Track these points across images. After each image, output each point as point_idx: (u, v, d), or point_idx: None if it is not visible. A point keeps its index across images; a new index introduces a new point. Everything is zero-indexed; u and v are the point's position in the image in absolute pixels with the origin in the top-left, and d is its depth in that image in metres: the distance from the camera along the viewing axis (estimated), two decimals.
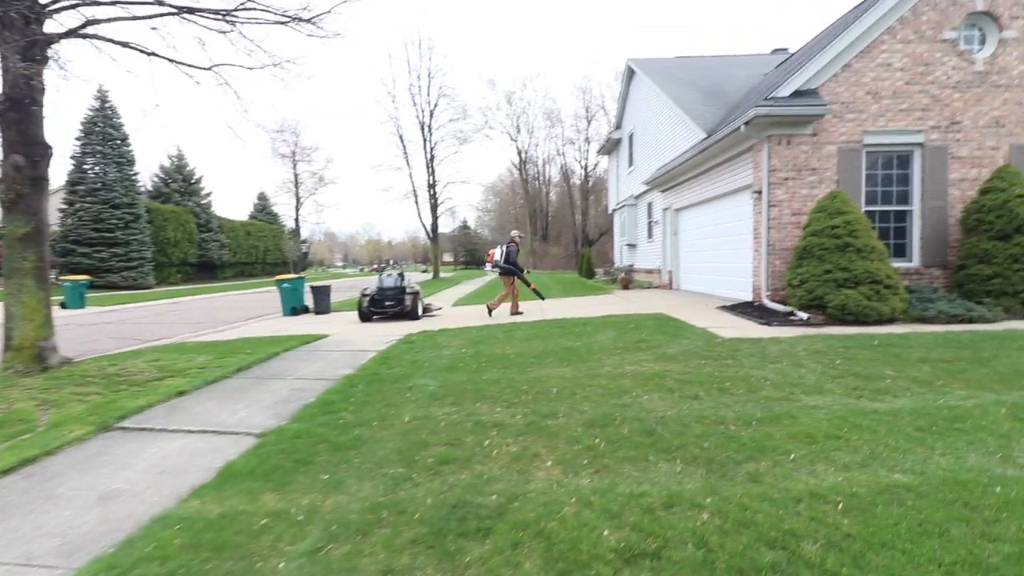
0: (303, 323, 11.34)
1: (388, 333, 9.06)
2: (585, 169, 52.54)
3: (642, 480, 3.01)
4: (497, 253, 11.06)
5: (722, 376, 5.05)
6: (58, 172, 33.87)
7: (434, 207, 37.21)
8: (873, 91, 9.29)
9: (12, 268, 6.10)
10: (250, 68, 6.74)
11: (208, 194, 43.47)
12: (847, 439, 3.46)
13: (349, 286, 27.01)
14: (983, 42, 9.42)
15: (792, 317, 8.13)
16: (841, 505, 2.63)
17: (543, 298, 12.11)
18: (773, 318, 8.18)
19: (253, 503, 2.93)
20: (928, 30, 9.24)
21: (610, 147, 25.57)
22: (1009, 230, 8.18)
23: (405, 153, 37.00)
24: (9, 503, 3.15)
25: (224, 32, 6.35)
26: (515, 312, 10.88)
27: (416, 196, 37.18)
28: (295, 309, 13.33)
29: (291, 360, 7.02)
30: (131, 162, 32.55)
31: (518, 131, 54.04)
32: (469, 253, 77.13)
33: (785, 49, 19.52)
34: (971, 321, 7.53)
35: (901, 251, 9.53)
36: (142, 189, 35.54)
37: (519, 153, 54.93)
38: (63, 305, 17.23)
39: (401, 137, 37.01)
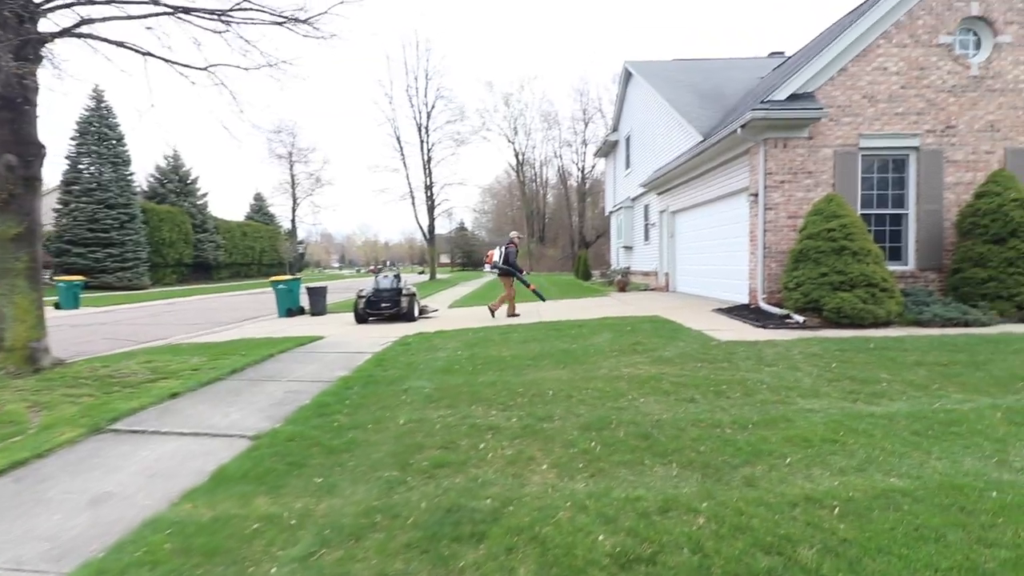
0: (299, 324, 11.30)
1: (384, 335, 9.03)
2: (582, 171, 52.69)
3: (638, 484, 2.99)
4: (496, 254, 11.04)
5: (718, 379, 5.04)
6: (53, 172, 33.70)
7: (431, 208, 37.17)
8: (869, 95, 9.32)
9: (4, 269, 6.05)
10: (246, 69, 6.72)
11: (204, 195, 43.38)
12: (843, 443, 3.45)
13: (345, 287, 26.97)
14: (978, 47, 9.46)
15: (788, 320, 8.14)
16: (837, 510, 2.62)
17: (543, 299, 12.08)
18: (769, 321, 8.19)
19: (245, 507, 2.90)
20: (924, 34, 9.27)
21: (607, 149, 25.60)
22: (1004, 234, 8.21)
23: (402, 154, 36.98)
24: None
25: (219, 32, 6.33)
26: (512, 314, 10.86)
27: (413, 197, 37.13)
28: (291, 310, 13.28)
29: (286, 362, 6.98)
30: (127, 162, 32.45)
31: (515, 133, 54.13)
32: (466, 255, 77.07)
33: (782, 53, 19.58)
34: (966, 324, 7.55)
35: (896, 254, 9.55)
36: (138, 189, 35.43)
37: (516, 155, 55.01)
38: (57, 306, 17.14)
39: (398, 138, 36.98)
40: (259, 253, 50.58)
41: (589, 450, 3.49)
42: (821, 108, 9.06)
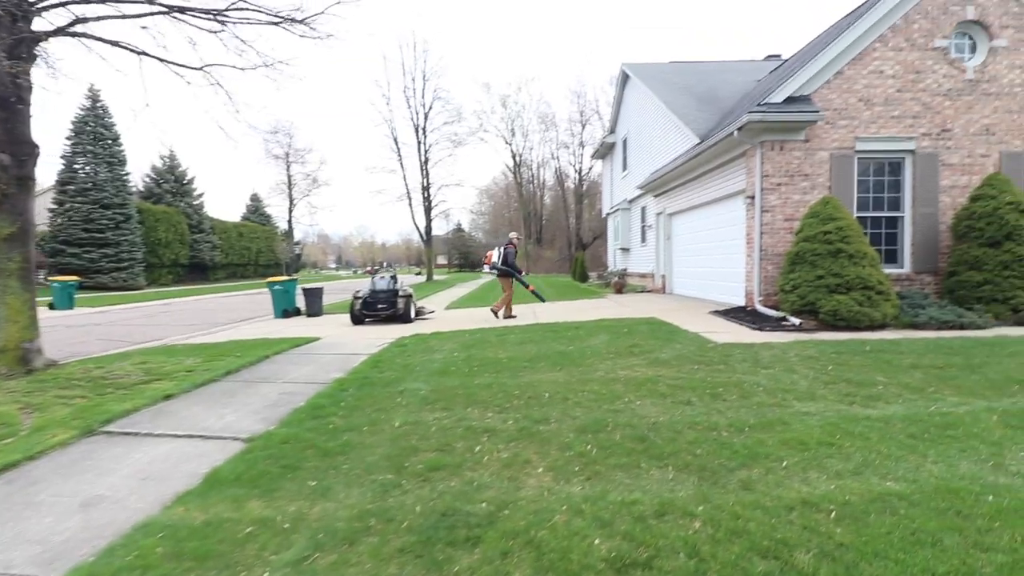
0: (295, 325, 11.26)
1: (380, 336, 9.00)
2: (579, 173, 52.72)
3: (634, 488, 2.98)
4: (495, 255, 11.01)
5: (715, 381, 5.03)
6: (48, 171, 33.69)
7: (428, 210, 37.13)
8: (865, 98, 9.35)
9: None
10: (242, 69, 6.70)
11: (200, 195, 43.29)
12: (839, 446, 3.45)
13: (342, 288, 26.91)
14: (973, 50, 9.51)
15: (784, 322, 8.15)
16: (834, 513, 2.61)
17: (543, 300, 12.05)
18: (766, 323, 8.19)
19: (238, 510, 2.88)
20: (919, 38, 9.31)
21: (604, 151, 25.63)
22: (999, 237, 8.23)
23: (399, 155, 36.95)
24: None
25: (215, 32, 6.30)
26: (508, 315, 10.84)
27: (410, 198, 37.09)
28: (287, 311, 13.24)
29: (281, 363, 6.95)
30: (122, 162, 32.34)
31: (513, 134, 54.10)
32: (463, 256, 77.08)
33: (778, 55, 19.65)
34: (962, 327, 7.56)
35: (892, 257, 9.58)
36: (133, 189, 35.28)
37: (514, 156, 54.98)
38: (51, 306, 17.07)
39: (395, 139, 36.97)
40: (255, 254, 50.45)
41: (585, 453, 3.47)
42: (817, 111, 9.08)
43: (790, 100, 9.17)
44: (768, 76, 14.65)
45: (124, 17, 6.10)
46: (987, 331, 7.40)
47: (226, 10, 6.14)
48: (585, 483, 3.07)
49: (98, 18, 6.01)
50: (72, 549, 2.63)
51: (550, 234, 58.72)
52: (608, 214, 25.18)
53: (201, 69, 6.59)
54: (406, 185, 37.07)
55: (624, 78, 20.56)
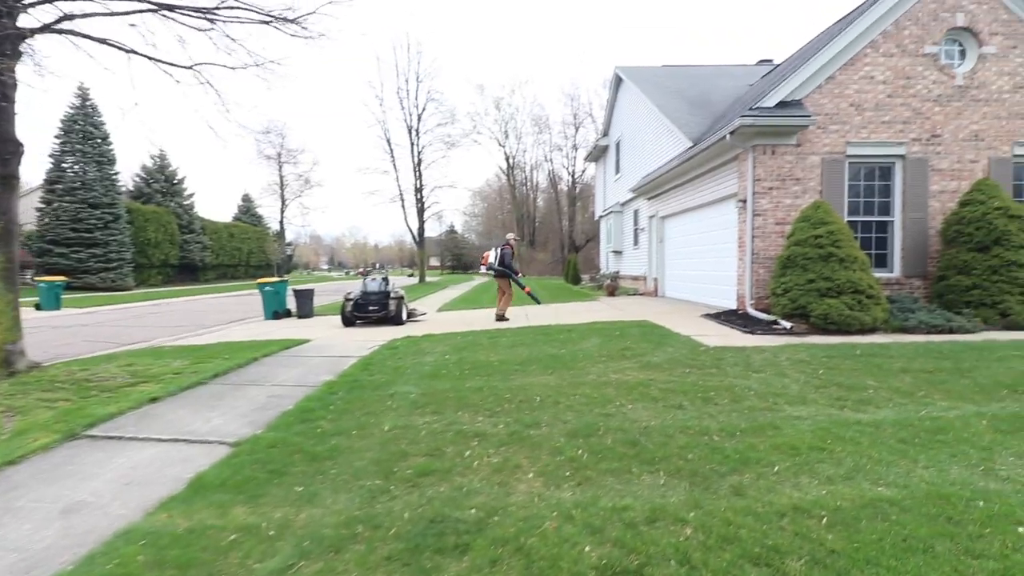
0: (285, 327, 11.16)
1: (371, 338, 8.93)
2: (572, 175, 52.74)
3: (625, 493, 2.95)
4: (492, 256, 10.97)
5: (706, 385, 5.02)
6: (36, 170, 33.27)
7: (421, 211, 37.06)
8: (856, 103, 9.40)
9: None
10: (232, 68, 6.63)
11: (191, 195, 42.94)
12: (831, 451, 3.44)
13: (334, 289, 26.76)
14: (963, 57, 9.59)
15: (776, 326, 8.17)
16: (825, 520, 2.60)
17: (539, 302, 12.02)
18: (757, 327, 8.21)
19: (223, 517, 2.82)
20: (910, 44, 9.38)
21: (597, 154, 25.67)
22: (988, 242, 8.30)
23: (392, 157, 36.92)
24: None
25: (204, 30, 6.23)
26: (501, 317, 10.80)
27: (403, 200, 37.04)
28: (277, 313, 13.14)
29: (270, 366, 6.87)
30: (112, 161, 32.01)
31: (506, 136, 54.13)
32: (456, 257, 76.94)
33: (770, 60, 19.76)
34: (951, 331, 7.61)
35: (882, 261, 9.64)
36: (123, 189, 34.95)
37: (507, 158, 55.00)
38: (37, 307, 16.85)
39: (388, 140, 36.90)
40: (247, 255, 50.10)
41: (576, 458, 3.45)
42: (809, 115, 9.13)
43: (782, 104, 9.22)
44: (760, 80, 14.73)
45: (112, 14, 6.02)
46: (976, 335, 7.45)
47: (216, 8, 6.08)
48: (576, 488, 3.04)
49: (85, 15, 5.93)
50: (51, 557, 2.57)
51: (543, 236, 58.69)
52: (601, 217, 25.21)
53: (191, 68, 6.52)
54: (399, 186, 37.07)
55: (617, 81, 20.62)
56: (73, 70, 38.76)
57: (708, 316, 9.82)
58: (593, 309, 12.50)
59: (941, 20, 9.37)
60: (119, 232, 31.44)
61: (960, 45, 9.59)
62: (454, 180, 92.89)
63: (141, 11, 6.01)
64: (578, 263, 29.81)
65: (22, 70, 6.01)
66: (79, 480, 3.45)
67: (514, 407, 4.57)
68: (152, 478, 3.44)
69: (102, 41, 6.01)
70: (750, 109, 9.20)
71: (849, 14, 10.82)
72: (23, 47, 5.87)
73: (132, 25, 6.10)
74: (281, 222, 52.99)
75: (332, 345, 8.46)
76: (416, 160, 36.38)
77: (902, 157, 9.46)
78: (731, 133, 9.13)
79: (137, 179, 40.55)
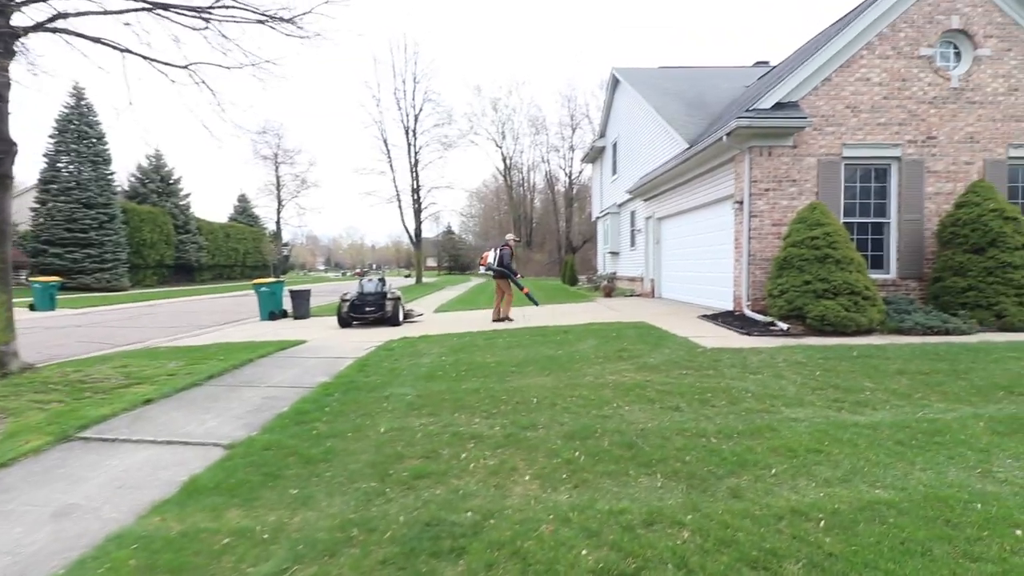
0: (281, 328, 11.12)
1: (367, 339, 8.90)
2: (569, 176, 52.80)
3: (622, 496, 2.93)
4: (491, 256, 10.95)
5: (703, 387, 5.01)
6: (31, 170, 33.10)
7: (418, 212, 36.98)
8: (852, 105, 9.42)
9: None
10: (227, 68, 6.60)
11: (187, 195, 42.82)
12: (828, 453, 3.43)
13: (331, 290, 26.67)
14: (958, 59, 9.63)
15: (772, 327, 8.17)
16: (823, 522, 2.58)
17: (537, 303, 11.99)
18: (754, 328, 8.21)
19: (216, 520, 2.79)
20: (906, 46, 9.41)
21: (594, 155, 25.69)
22: (983, 244, 8.32)
23: (389, 157, 36.79)
24: None
25: (199, 29, 6.19)
26: (497, 319, 10.78)
27: (400, 201, 36.94)
28: (273, 314, 13.09)
29: (266, 367, 6.83)
30: (107, 161, 31.88)
31: (503, 137, 54.15)
32: (453, 258, 76.86)
33: (767, 62, 19.81)
34: (947, 333, 7.62)
35: (878, 263, 9.65)
36: (118, 189, 34.79)
37: (504, 159, 55.02)
38: (32, 307, 16.76)
39: (385, 141, 36.76)
40: (243, 255, 49.96)
41: (573, 460, 3.43)
42: (805, 117, 9.14)
43: (779, 106, 9.23)
44: (757, 82, 14.76)
45: (106, 13, 5.97)
46: (972, 337, 7.47)
47: (211, 7, 6.05)
48: (573, 491, 3.02)
49: (79, 13, 5.89)
50: (42, 561, 2.54)
51: (540, 237, 58.70)
52: (598, 218, 25.22)
53: (186, 68, 6.48)
54: (396, 187, 36.95)
55: (614, 82, 20.63)
56: (67, 69, 38.62)
57: (705, 317, 9.82)
58: (590, 310, 12.49)
59: (936, 23, 9.40)
60: (114, 232, 31.31)
61: (955, 48, 9.62)
62: (451, 181, 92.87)
63: (135, 10, 5.97)
64: (575, 264, 29.80)
65: (16, 69, 5.96)
66: (71, 483, 3.41)
67: (510, 409, 4.55)
68: (145, 481, 3.41)
69: (96, 40, 5.98)
70: (747, 111, 9.21)
71: (845, 16, 10.86)
72: (16, 46, 5.83)
73: (127, 24, 6.06)
74: (278, 222, 52.95)
75: (328, 346, 8.42)
76: (413, 161, 36.32)
77: (898, 159, 9.48)
78: (728, 134, 9.14)
79: (132, 179, 40.41)
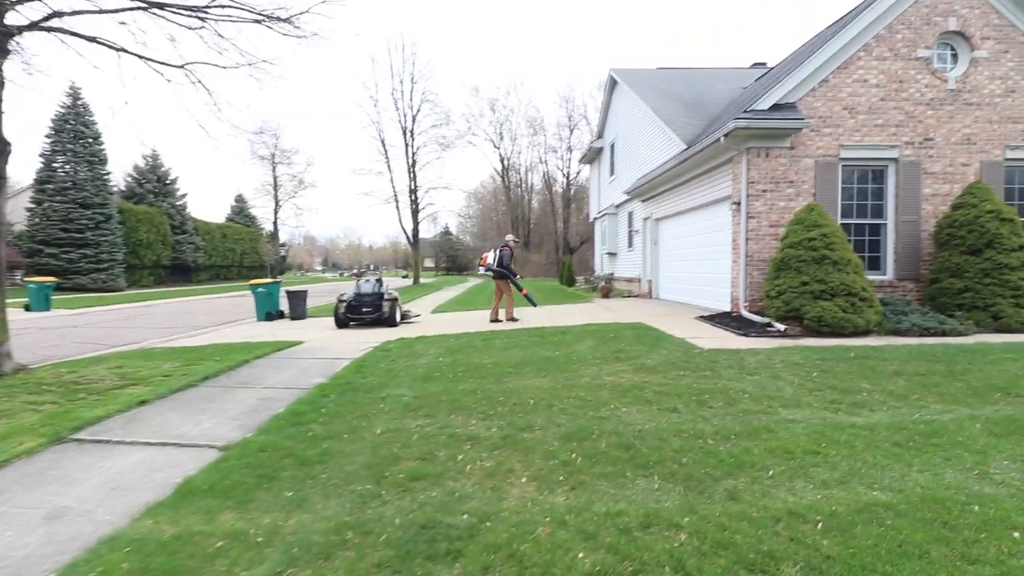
0: (277, 329, 11.08)
1: (364, 340, 8.88)
2: (567, 177, 52.81)
3: (619, 498, 2.92)
4: (491, 257, 10.94)
5: (701, 388, 5.00)
6: (26, 170, 32.96)
7: (415, 212, 36.93)
8: (849, 106, 9.44)
9: None
10: (224, 67, 6.57)
11: (183, 195, 42.72)
12: (825, 454, 3.42)
13: (328, 291, 26.61)
14: (955, 61, 9.65)
15: (769, 328, 8.17)
16: (820, 524, 2.57)
17: (535, 305, 11.99)
18: (751, 329, 8.21)
19: (210, 523, 2.77)
20: (903, 48, 9.43)
21: (592, 156, 25.70)
22: (980, 245, 8.34)
23: (387, 158, 36.73)
24: None
25: (195, 29, 6.17)
26: (495, 319, 10.77)
27: (397, 201, 36.87)
28: (270, 314, 13.05)
29: (262, 368, 6.81)
30: (103, 161, 31.76)
31: (501, 138, 54.12)
32: (450, 259, 76.82)
33: (764, 63, 19.86)
34: (944, 334, 7.63)
35: (876, 264, 9.67)
36: (114, 189, 34.69)
37: (502, 160, 54.99)
38: (27, 307, 16.68)
39: (383, 142, 36.71)
40: (240, 255, 49.85)
41: (570, 462, 3.41)
42: (803, 118, 9.15)
43: (776, 107, 9.24)
44: (755, 83, 14.78)
45: (101, 12, 5.94)
46: (968, 338, 7.48)
47: (207, 7, 6.02)
48: (569, 493, 3.01)
49: (75, 12, 5.86)
50: (33, 565, 2.51)
51: (538, 238, 58.69)
52: (595, 219, 25.23)
53: (182, 67, 6.46)
54: (393, 187, 36.89)
55: (612, 83, 20.65)
56: (63, 69, 38.52)
57: (702, 318, 9.82)
58: (587, 311, 12.49)
59: (933, 24, 9.43)
60: (110, 232, 31.20)
61: (952, 49, 9.65)
62: (449, 181, 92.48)
63: (131, 9, 5.94)
64: (573, 265, 29.81)
65: (11, 68, 5.94)
66: (64, 485, 3.38)
67: (507, 410, 4.53)
68: (139, 483, 3.38)
69: (92, 39, 5.95)
70: (744, 112, 9.22)
71: (843, 17, 10.88)
72: (11, 45, 5.80)
73: (122, 23, 6.03)
74: (275, 223, 52.80)
75: (325, 347, 8.39)
76: (411, 161, 36.27)
77: (895, 160, 9.50)
78: (725, 135, 9.14)
79: (129, 179, 40.29)
